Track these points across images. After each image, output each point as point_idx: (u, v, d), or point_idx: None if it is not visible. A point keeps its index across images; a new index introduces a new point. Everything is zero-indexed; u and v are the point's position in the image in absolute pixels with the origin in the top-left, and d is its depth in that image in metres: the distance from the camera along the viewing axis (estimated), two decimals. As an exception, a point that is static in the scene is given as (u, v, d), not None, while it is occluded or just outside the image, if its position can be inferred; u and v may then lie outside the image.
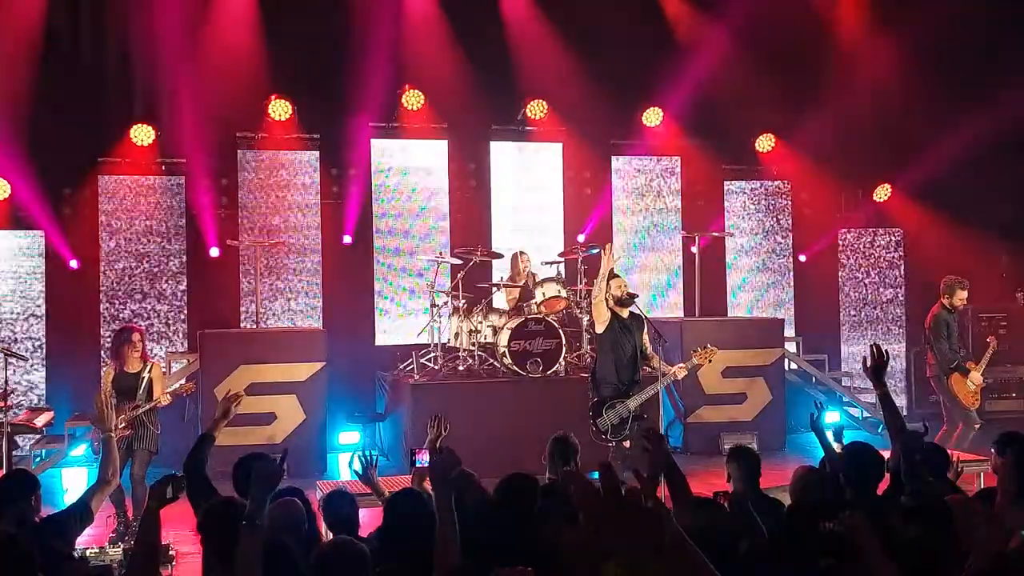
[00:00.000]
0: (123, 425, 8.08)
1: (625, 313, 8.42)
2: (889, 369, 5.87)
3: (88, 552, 6.49)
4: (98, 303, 12.15)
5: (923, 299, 14.35)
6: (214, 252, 12.44)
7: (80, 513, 5.29)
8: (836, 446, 5.82)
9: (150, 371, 8.42)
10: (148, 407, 8.28)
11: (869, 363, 5.72)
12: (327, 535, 5.15)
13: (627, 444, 8.06)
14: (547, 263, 11.90)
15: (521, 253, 11.75)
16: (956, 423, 9.71)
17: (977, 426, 9.64)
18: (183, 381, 8.89)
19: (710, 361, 8.69)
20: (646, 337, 8.47)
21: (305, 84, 12.40)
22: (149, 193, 12.39)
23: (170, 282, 12.36)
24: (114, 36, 11.94)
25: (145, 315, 12.20)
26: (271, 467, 4.21)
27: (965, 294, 9.86)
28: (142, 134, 12.13)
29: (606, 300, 8.40)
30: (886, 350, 5.75)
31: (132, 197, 12.33)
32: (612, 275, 8.61)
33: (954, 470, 6.00)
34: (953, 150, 12.96)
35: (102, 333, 12.00)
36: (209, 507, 4.50)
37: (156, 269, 12.35)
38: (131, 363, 8.38)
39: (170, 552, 6.82)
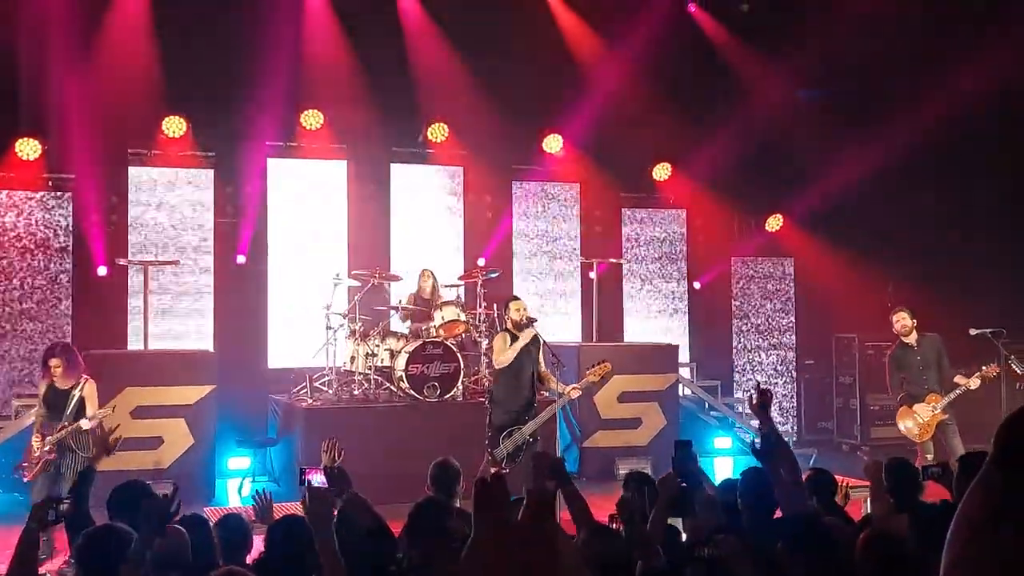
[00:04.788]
0: (47, 448, 7.67)
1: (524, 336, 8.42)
2: (776, 400, 5.95)
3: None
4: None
5: (812, 326, 14.82)
6: (102, 271, 12.05)
7: None
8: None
9: (82, 389, 7.90)
10: (70, 429, 7.77)
11: (755, 400, 5.79)
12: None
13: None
14: (447, 286, 11.86)
15: (426, 270, 11.70)
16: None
17: (929, 456, 9.17)
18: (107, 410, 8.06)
19: (602, 378, 8.71)
20: (542, 358, 8.49)
21: (201, 101, 12.12)
22: (34, 209, 11.93)
23: (55, 301, 11.90)
24: (-1, 45, 11.49)
25: (27, 335, 11.71)
26: (159, 505, 4.05)
27: (896, 320, 9.73)
28: (28, 148, 11.70)
29: (507, 322, 8.45)
30: (768, 387, 5.80)
31: (16, 213, 11.87)
32: (512, 298, 8.64)
33: (842, 494, 6.12)
34: (842, 180, 13.38)
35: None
36: (89, 533, 4.30)
37: (40, 288, 11.88)
38: (60, 380, 7.86)
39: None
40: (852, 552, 4.30)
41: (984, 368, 9.35)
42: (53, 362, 7.84)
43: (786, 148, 13.97)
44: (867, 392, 14.14)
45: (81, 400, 7.87)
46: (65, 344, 8.30)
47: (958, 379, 9.39)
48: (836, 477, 6.08)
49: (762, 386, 5.66)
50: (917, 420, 9.41)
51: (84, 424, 7.80)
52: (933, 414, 9.35)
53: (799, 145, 13.88)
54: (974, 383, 9.28)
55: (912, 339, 9.71)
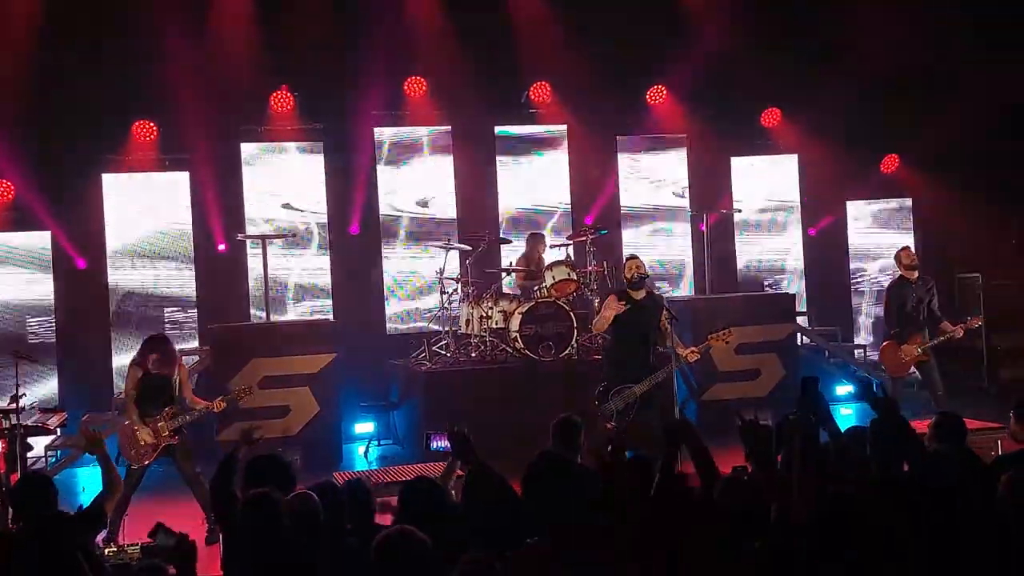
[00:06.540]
0: (168, 433, 7.95)
1: (640, 295, 8.38)
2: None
3: (107, 551, 6.47)
4: (107, 301, 12.14)
5: (933, 269, 14.32)
6: (221, 247, 12.42)
7: (94, 516, 5.31)
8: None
9: (179, 373, 8.20)
10: (199, 412, 8.11)
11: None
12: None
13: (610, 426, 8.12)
14: (555, 246, 11.88)
15: (535, 232, 11.75)
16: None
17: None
18: (241, 387, 8.61)
19: (727, 343, 8.66)
20: (664, 318, 8.40)
21: (306, 74, 12.35)
22: (153, 189, 12.36)
23: (178, 278, 12.34)
24: (113, 32, 11.84)
25: (154, 312, 12.19)
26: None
27: (904, 256, 10.26)
28: (144, 130, 12.11)
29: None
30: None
31: (136, 194, 12.31)
32: (630, 256, 8.62)
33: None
34: (961, 118, 12.82)
35: (112, 332, 12.02)
36: (248, 498, 4.52)
37: (163, 265, 12.33)
38: (158, 368, 8.08)
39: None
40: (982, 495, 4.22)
41: (968, 319, 10.16)
42: (153, 356, 8.06)
43: (900, 87, 13.49)
44: (993, 333, 13.64)
45: (180, 384, 8.15)
46: (164, 337, 8.51)
47: (944, 326, 9.93)
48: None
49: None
50: (901, 358, 9.91)
51: (218, 406, 8.17)
52: (915, 355, 9.86)
53: (914, 83, 13.40)
54: (959, 332, 9.89)
55: (914, 276, 10.13)
